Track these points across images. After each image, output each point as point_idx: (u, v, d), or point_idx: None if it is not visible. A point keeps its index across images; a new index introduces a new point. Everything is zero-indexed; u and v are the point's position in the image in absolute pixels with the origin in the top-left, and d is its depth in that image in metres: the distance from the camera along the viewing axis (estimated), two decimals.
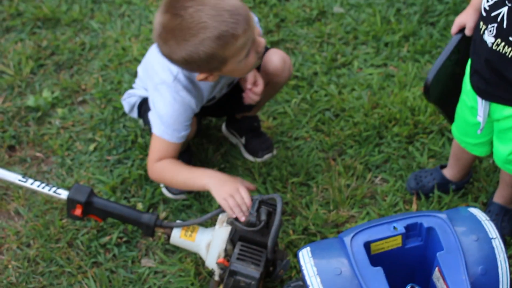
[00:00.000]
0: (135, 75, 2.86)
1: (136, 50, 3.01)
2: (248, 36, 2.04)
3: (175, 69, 2.17)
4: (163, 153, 2.25)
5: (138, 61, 2.96)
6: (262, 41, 2.12)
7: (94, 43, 3.10)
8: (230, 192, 2.10)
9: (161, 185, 2.54)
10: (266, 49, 2.39)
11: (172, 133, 2.23)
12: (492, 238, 1.86)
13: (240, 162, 2.63)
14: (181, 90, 2.19)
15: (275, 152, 2.66)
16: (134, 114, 2.52)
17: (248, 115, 2.62)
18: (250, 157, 2.64)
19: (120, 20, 3.19)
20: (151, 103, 2.27)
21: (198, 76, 2.13)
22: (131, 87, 2.65)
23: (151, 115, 2.26)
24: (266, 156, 2.64)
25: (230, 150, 2.69)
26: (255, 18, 2.12)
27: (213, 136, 2.74)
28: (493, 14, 1.91)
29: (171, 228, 2.20)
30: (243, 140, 2.66)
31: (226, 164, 2.63)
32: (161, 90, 2.20)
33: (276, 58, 2.39)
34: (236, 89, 2.42)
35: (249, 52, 2.08)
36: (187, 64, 2.05)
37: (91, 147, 2.70)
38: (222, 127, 2.73)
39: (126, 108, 2.53)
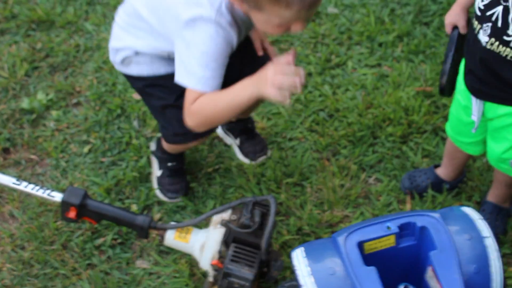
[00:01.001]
0: None
1: None
2: (297, 17, 1.92)
3: (216, 2, 1.99)
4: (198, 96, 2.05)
5: None
6: (303, 26, 1.99)
7: (89, 45, 3.09)
8: (278, 72, 1.90)
9: (155, 187, 2.54)
10: (268, 58, 2.31)
11: (205, 81, 2.01)
12: (485, 237, 1.86)
13: (235, 163, 2.63)
14: (225, 23, 2.00)
15: (269, 153, 2.66)
16: (126, 70, 2.29)
17: (241, 117, 2.62)
18: (245, 160, 2.64)
19: None
20: (180, 49, 2.04)
21: None
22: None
23: (181, 64, 2.04)
24: (261, 159, 2.64)
25: (224, 151, 2.69)
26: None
27: None
28: (488, 13, 1.91)
29: (165, 230, 2.20)
30: (237, 141, 2.66)
31: (221, 165, 2.63)
32: (198, 25, 1.99)
33: None
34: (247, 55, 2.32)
35: (283, 25, 1.97)
36: None
37: (86, 149, 2.70)
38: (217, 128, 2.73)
39: (117, 59, 2.29)
